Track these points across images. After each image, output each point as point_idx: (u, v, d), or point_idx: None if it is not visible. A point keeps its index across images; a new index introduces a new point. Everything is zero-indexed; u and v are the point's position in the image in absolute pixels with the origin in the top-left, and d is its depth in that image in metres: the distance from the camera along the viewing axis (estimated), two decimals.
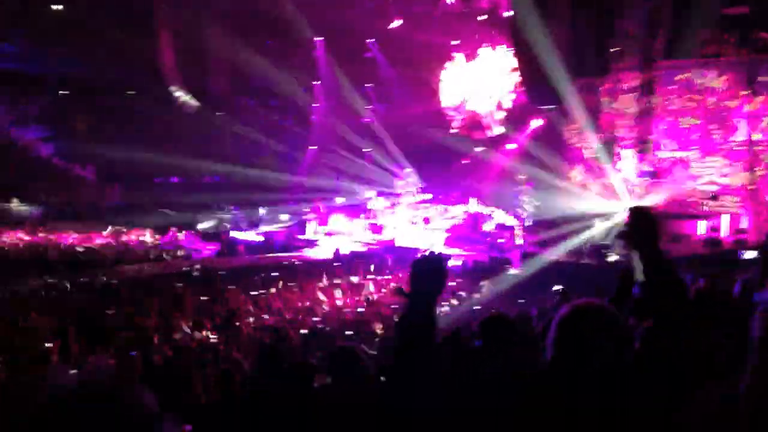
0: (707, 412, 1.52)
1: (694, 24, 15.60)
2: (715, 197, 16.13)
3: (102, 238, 17.71)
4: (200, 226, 19.47)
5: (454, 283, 11.66)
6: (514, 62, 19.55)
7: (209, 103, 24.68)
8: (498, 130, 21.36)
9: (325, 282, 11.99)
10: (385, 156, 21.93)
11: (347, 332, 8.46)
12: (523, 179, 18.58)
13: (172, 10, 22.73)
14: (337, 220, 19.29)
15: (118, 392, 1.20)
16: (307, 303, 10.58)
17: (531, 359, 3.12)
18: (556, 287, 8.30)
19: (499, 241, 16.76)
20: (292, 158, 23.20)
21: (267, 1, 20.45)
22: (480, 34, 21.00)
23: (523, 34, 17.27)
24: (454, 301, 9.69)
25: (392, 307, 9.91)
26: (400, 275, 12.62)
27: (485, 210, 18.06)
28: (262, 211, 19.86)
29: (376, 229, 18.39)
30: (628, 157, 17.54)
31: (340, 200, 21.06)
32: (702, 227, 15.51)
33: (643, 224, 2.23)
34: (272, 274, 12.94)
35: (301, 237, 18.33)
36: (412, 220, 19.18)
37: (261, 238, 18.16)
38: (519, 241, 16.50)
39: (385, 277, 13.16)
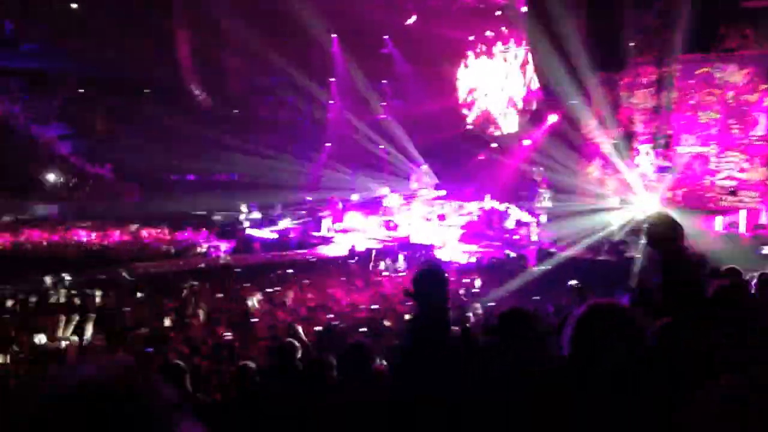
0: (707, 412, 1.50)
1: (713, 18, 15.40)
2: (733, 192, 15.91)
3: (120, 235, 17.85)
4: (215, 218, 19.69)
5: (468, 280, 11.64)
6: (530, 58, 19.41)
7: (226, 101, 24.83)
8: (513, 126, 21.25)
9: (340, 279, 12.02)
10: (401, 152, 21.89)
11: (361, 329, 8.48)
12: (539, 175, 18.44)
13: (190, 10, 22.90)
14: (352, 217, 19.28)
15: (137, 383, 1.20)
16: (322, 300, 10.62)
17: (543, 356, 3.10)
18: (571, 282, 8.27)
19: (515, 237, 16.66)
20: (307, 156, 23.23)
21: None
22: (496, 30, 20.91)
23: (540, 28, 17.17)
24: (477, 305, 9.59)
25: (407, 304, 9.90)
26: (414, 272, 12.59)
27: (501, 206, 17.94)
28: (278, 208, 19.89)
29: (391, 226, 18.36)
30: (646, 152, 17.36)
31: (355, 197, 21.06)
32: (720, 223, 15.31)
33: (662, 227, 2.22)
34: (287, 271, 13.01)
35: (316, 234, 18.34)
36: (427, 216, 19.13)
37: (276, 236, 18.20)
38: (534, 237, 16.37)
39: (400, 273, 13.17)
